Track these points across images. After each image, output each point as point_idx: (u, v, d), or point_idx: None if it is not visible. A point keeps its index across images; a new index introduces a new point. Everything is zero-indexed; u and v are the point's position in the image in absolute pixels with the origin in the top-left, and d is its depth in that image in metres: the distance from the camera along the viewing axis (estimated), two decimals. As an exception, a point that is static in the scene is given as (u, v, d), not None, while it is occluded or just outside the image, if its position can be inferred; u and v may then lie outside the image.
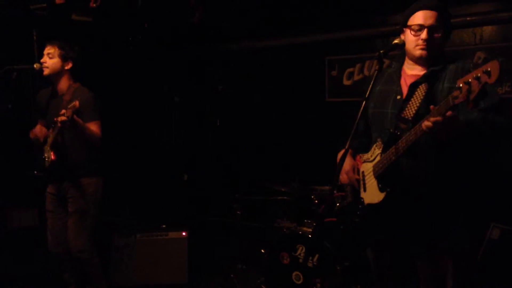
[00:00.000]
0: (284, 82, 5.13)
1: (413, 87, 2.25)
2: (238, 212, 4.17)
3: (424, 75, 2.23)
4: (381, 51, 2.12)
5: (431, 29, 2.18)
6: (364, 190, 2.36)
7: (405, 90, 2.28)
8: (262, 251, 3.76)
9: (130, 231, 4.15)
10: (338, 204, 3.29)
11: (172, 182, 5.23)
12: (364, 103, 2.09)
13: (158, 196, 5.02)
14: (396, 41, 2.21)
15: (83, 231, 3.33)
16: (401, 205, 2.20)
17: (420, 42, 2.19)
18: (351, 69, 4.73)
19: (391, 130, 2.22)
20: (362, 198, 2.36)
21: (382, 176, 2.24)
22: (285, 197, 4.02)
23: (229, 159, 5.37)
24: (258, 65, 5.29)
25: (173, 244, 4.09)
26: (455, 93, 1.85)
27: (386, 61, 2.26)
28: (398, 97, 2.28)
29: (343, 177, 2.43)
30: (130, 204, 4.76)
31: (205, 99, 5.47)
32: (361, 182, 2.39)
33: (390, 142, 2.20)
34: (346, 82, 4.77)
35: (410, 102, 2.22)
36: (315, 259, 3.31)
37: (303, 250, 3.43)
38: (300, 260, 3.43)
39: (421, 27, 2.19)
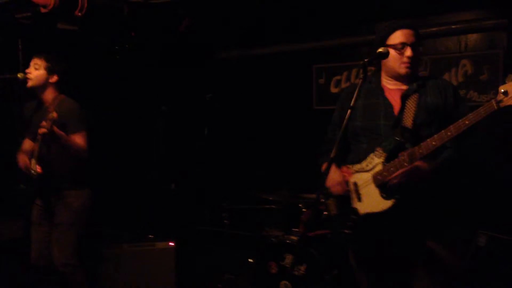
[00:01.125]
0: (272, 90, 5.13)
1: (404, 99, 2.29)
2: (226, 221, 4.15)
3: (412, 88, 2.30)
4: (365, 60, 2.13)
5: (413, 46, 2.26)
6: (359, 200, 2.33)
7: (393, 102, 2.32)
8: (250, 260, 3.74)
9: (117, 241, 4.12)
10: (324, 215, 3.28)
11: (160, 192, 5.19)
12: (349, 112, 2.08)
13: (145, 205, 4.97)
14: (380, 49, 2.21)
15: (67, 245, 3.26)
16: (408, 210, 2.21)
17: (406, 59, 2.26)
18: (338, 77, 4.75)
19: (397, 138, 2.23)
20: (355, 208, 2.33)
21: (387, 184, 2.23)
22: (273, 206, 4.01)
23: (217, 168, 5.34)
24: (245, 73, 5.28)
25: (160, 254, 4.04)
26: (499, 97, 1.90)
27: (372, 69, 2.30)
28: (390, 109, 2.31)
29: (337, 189, 2.38)
30: (117, 214, 4.72)
31: (193, 108, 5.45)
32: (354, 193, 2.37)
33: (396, 151, 2.21)
34: (333, 90, 4.79)
35: (405, 113, 2.26)
36: (303, 268, 3.29)
37: (291, 259, 3.41)
38: (288, 269, 3.42)
39: (403, 45, 2.24)
